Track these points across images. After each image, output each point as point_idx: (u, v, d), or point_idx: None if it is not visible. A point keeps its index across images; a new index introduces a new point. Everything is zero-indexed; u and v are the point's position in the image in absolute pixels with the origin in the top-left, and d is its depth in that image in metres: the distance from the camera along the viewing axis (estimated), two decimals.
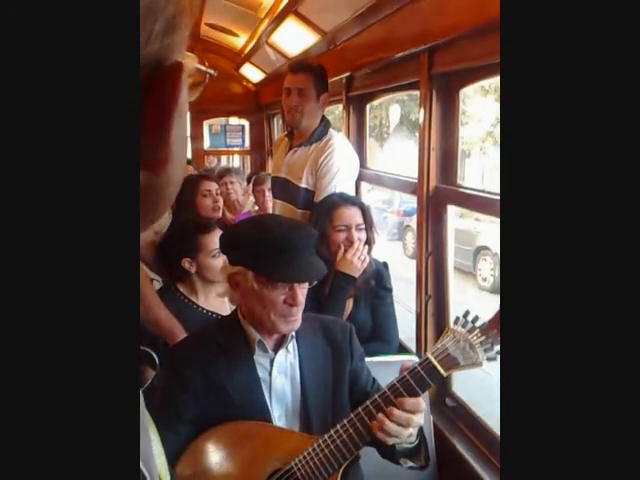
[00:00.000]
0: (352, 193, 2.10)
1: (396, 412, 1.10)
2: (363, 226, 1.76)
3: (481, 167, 12.98)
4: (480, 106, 11.47)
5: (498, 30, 1.19)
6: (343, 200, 1.79)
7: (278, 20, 2.50)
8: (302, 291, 1.17)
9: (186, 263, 1.84)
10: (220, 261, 1.80)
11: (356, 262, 1.72)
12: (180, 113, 0.30)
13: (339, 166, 2.00)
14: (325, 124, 2.09)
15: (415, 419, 1.10)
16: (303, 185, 2.05)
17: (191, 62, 0.35)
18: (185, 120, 0.33)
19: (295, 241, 1.15)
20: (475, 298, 7.17)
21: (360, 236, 1.75)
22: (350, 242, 1.73)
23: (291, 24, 2.44)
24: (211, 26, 3.53)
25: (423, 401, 1.13)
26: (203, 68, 0.43)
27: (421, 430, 1.17)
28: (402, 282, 3.06)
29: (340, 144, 2.06)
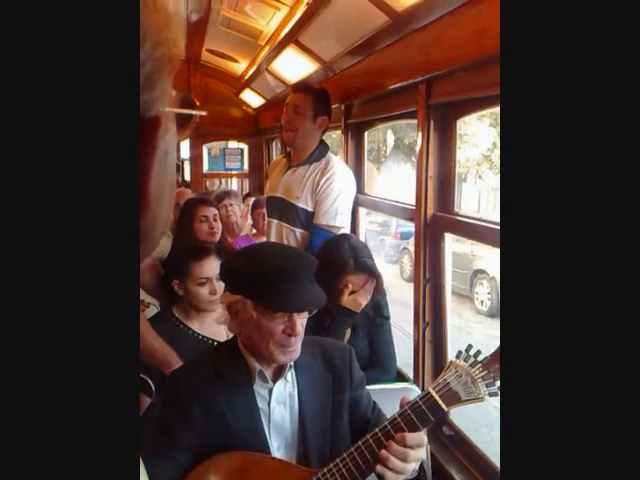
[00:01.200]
0: (349, 216, 2.12)
1: (398, 448, 1.08)
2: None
3: (477, 191, 13.06)
4: (476, 130, 11.61)
5: (495, 62, 1.21)
6: (355, 266, 1.69)
7: (278, 48, 2.54)
8: (301, 321, 1.16)
9: (175, 285, 1.86)
10: (206, 290, 1.81)
11: (360, 300, 1.72)
12: (161, 162, 0.31)
13: (340, 190, 2.02)
14: (324, 146, 2.13)
15: (417, 454, 1.09)
16: (301, 205, 2.07)
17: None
18: (171, 165, 0.34)
19: (294, 270, 1.14)
20: (472, 322, 7.15)
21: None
22: None
23: (291, 52, 2.48)
24: (211, 52, 3.58)
25: (424, 436, 1.12)
26: (193, 112, 0.44)
27: (421, 463, 1.16)
28: (400, 306, 3.04)
29: (340, 168, 2.09)
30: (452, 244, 1.80)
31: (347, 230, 2.12)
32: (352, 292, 1.72)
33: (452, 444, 1.72)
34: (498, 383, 1.11)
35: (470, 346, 1.17)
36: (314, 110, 2.06)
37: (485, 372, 1.12)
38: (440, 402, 1.12)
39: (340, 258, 1.69)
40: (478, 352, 1.16)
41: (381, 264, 9.17)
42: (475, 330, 6.69)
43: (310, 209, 2.06)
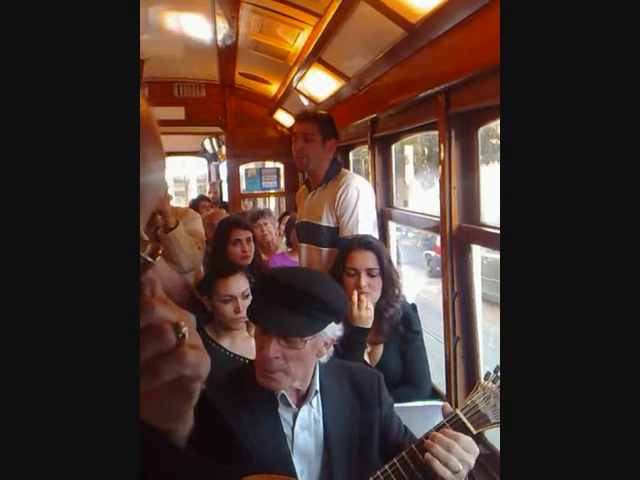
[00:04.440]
0: (373, 224, 2.12)
1: (441, 437, 1.06)
2: (378, 271, 1.75)
3: None
4: None
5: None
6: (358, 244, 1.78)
7: (305, 68, 2.58)
8: (278, 347, 1.11)
9: (205, 300, 1.91)
10: (230, 308, 1.82)
11: (363, 313, 1.69)
12: None
13: (356, 199, 2.05)
14: (336, 164, 2.18)
15: (461, 452, 1.04)
16: (324, 224, 2.10)
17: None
18: None
19: (285, 295, 1.12)
20: None
21: (371, 282, 1.73)
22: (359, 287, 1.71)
23: (317, 71, 2.52)
24: (244, 75, 3.68)
25: (473, 442, 1.07)
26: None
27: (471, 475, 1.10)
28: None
29: (353, 178, 2.13)
30: (493, 253, 1.76)
31: (375, 234, 2.12)
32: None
33: (489, 463, 1.65)
34: None
35: (498, 367, 1.13)
36: (322, 135, 2.12)
37: None
38: (468, 425, 1.09)
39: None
40: (499, 373, 1.12)
41: (425, 278, 8.97)
42: None
43: (333, 225, 2.09)
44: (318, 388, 1.19)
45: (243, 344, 1.92)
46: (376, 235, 2.14)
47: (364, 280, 1.71)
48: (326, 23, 2.00)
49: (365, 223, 2.05)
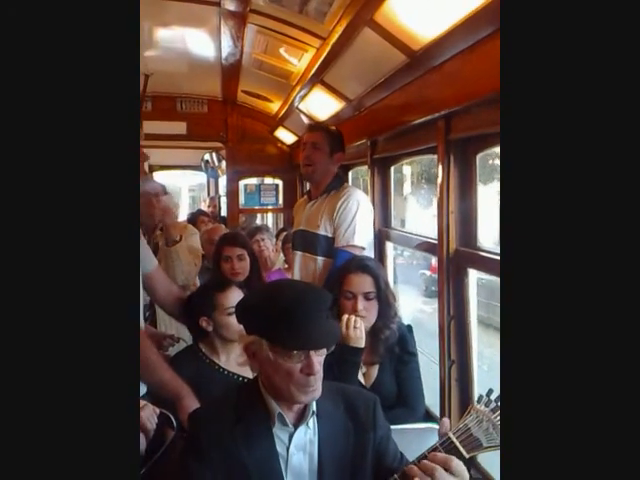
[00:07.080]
0: (369, 237, 2.14)
1: (426, 462, 1.06)
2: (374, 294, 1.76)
3: None
4: None
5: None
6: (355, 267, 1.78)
7: (307, 88, 2.62)
8: (319, 359, 1.12)
9: (203, 322, 1.88)
10: (235, 319, 1.81)
11: (352, 333, 1.68)
12: None
13: (355, 210, 2.07)
14: (339, 178, 2.21)
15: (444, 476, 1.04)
16: (322, 232, 2.12)
17: None
18: None
19: (307, 306, 1.13)
20: None
21: (367, 305, 1.74)
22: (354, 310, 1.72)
23: (319, 92, 2.56)
24: (247, 93, 3.71)
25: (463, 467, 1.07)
26: None
27: None
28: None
29: (354, 191, 2.15)
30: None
31: (370, 251, 2.13)
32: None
33: None
34: None
35: (491, 390, 1.13)
36: (330, 146, 2.15)
37: None
38: (461, 448, 1.08)
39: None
40: (499, 397, 1.11)
41: (420, 297, 8.95)
42: None
43: (330, 235, 2.10)
44: (315, 408, 1.19)
45: (237, 361, 1.91)
46: (371, 253, 2.16)
47: (361, 304, 1.72)
48: (330, 46, 2.03)
49: (362, 235, 2.06)
